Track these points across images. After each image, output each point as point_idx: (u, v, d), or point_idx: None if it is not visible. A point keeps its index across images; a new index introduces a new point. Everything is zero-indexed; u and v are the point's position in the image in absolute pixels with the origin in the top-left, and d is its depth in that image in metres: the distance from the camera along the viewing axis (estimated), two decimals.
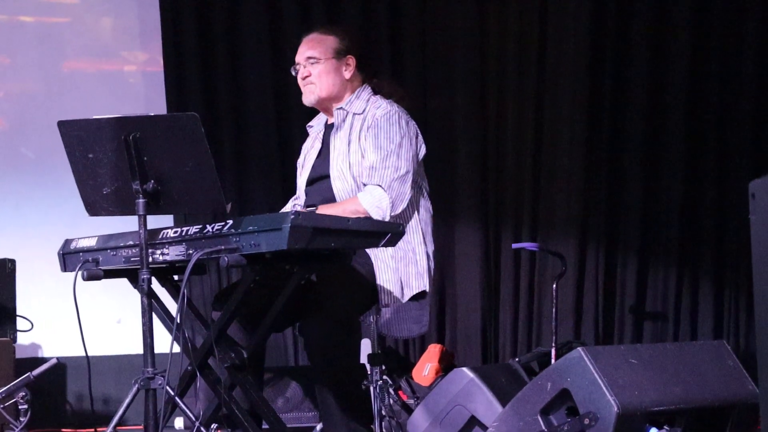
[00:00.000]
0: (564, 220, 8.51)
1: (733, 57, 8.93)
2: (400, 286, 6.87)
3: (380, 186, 6.81)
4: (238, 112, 8.94)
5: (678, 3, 8.83)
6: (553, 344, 7.64)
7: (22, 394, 6.80)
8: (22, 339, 8.04)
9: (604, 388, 5.52)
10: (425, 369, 7.22)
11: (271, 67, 8.75)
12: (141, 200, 6.14)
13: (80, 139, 6.29)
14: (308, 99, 7.08)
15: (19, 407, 6.77)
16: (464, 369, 6.35)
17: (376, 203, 6.74)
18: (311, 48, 7.06)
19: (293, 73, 7.12)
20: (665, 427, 5.63)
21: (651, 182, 8.45)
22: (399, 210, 6.80)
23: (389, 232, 6.43)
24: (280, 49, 8.61)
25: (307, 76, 7.04)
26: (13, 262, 8.02)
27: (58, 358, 7.77)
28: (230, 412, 6.48)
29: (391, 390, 6.80)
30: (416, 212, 6.97)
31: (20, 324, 8.09)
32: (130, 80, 9.36)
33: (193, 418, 6.33)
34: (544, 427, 5.69)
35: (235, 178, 8.65)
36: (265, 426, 6.49)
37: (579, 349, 5.74)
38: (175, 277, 6.57)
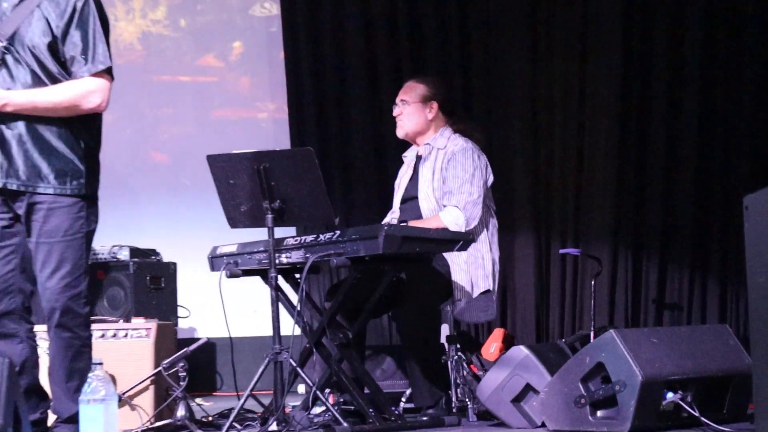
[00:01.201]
0: (600, 230, 8.41)
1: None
2: (471, 284, 6.83)
3: (457, 207, 6.76)
4: (345, 145, 8.92)
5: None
6: (592, 328, 7.56)
7: (181, 364, 6.79)
8: (182, 323, 8.11)
9: (630, 361, 5.44)
10: (491, 347, 7.13)
11: (370, 110, 8.69)
12: (269, 216, 6.16)
13: (224, 169, 6.30)
14: (399, 133, 7.09)
15: (179, 374, 6.73)
16: (521, 347, 6.25)
17: (454, 221, 6.69)
18: (404, 92, 7.06)
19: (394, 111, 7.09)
20: (679, 391, 5.47)
21: (668, 199, 8.32)
22: (472, 227, 6.77)
23: (461, 240, 6.46)
24: (378, 96, 8.58)
25: (398, 114, 6.97)
26: (174, 264, 8.08)
27: (208, 338, 7.75)
28: (339, 380, 6.47)
29: (464, 364, 6.74)
30: (485, 227, 6.91)
31: (180, 312, 8.12)
32: (262, 125, 9.37)
33: (311, 384, 6.31)
34: (583, 392, 5.62)
35: (341, 196, 8.61)
36: (366, 391, 6.35)
37: (611, 331, 5.66)
38: (296, 276, 6.54)
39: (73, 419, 4.96)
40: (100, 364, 4.89)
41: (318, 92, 8.98)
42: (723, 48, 8.49)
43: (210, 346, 7.99)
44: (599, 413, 5.58)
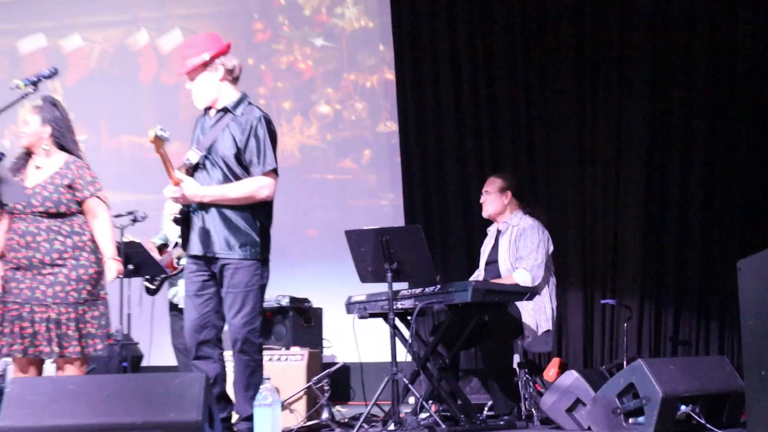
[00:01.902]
0: (630, 286, 8.36)
1: None
2: (536, 325, 6.80)
3: (526, 269, 6.74)
4: (444, 223, 8.94)
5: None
6: (624, 358, 7.45)
7: (325, 380, 6.86)
8: (326, 352, 8.11)
9: (654, 382, 5.38)
10: (550, 372, 7.10)
11: (462, 197, 8.71)
12: (389, 274, 6.14)
13: (357, 240, 6.36)
14: (484, 214, 7.10)
15: (324, 388, 6.78)
16: (573, 371, 6.22)
17: (523, 279, 6.69)
18: (487, 185, 7.09)
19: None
20: (689, 405, 5.40)
21: (680, 263, 8.24)
22: (537, 283, 6.72)
23: (528, 293, 6.50)
24: (468, 186, 8.64)
25: (483, 201, 7.03)
26: (321, 309, 8.19)
27: (345, 362, 7.77)
28: (439, 394, 6.46)
29: (531, 383, 6.67)
30: (546, 284, 6.87)
31: (325, 343, 8.18)
32: (385, 209, 9.42)
33: (419, 396, 6.29)
34: (619, 405, 5.56)
35: (441, 259, 8.59)
36: (458, 402, 6.34)
37: (639, 360, 5.63)
38: (408, 317, 6.48)
39: (249, 418, 5.01)
40: (269, 379, 4.96)
41: (424, 185, 8.99)
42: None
43: (346, 368, 8.04)
44: (630, 420, 5.54)
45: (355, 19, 9.80)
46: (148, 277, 7.59)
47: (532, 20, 8.74)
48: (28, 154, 5.80)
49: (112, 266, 5.63)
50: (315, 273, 8.91)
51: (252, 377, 5.17)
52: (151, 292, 7.65)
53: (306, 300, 7.94)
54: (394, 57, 9.22)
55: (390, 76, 9.40)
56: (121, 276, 5.78)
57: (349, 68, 9.81)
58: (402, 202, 9.14)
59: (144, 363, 8.29)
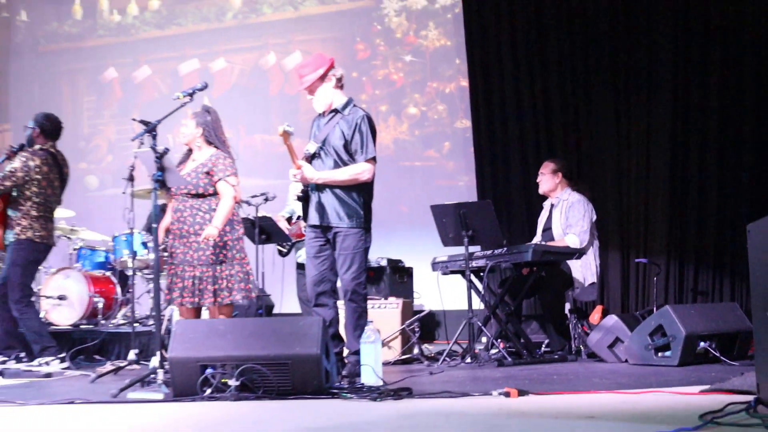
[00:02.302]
0: (659, 246, 8.21)
1: None
2: (583, 278, 6.76)
3: (575, 234, 6.69)
4: (509, 197, 8.85)
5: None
6: (654, 305, 7.33)
7: (416, 323, 6.84)
8: (416, 301, 7.98)
9: (678, 323, 5.35)
10: (594, 316, 6.96)
11: (523, 177, 8.68)
12: (466, 239, 6.20)
13: (440, 213, 6.49)
14: (540, 191, 7.07)
15: (415, 330, 6.83)
16: (613, 315, 6.19)
17: (573, 243, 6.64)
18: (543, 168, 7.04)
19: None
20: (707, 341, 5.34)
21: (700, 226, 8.09)
22: (584, 246, 6.66)
23: (577, 253, 6.48)
24: (527, 169, 8.55)
25: (539, 180, 7.02)
26: (411, 268, 8.05)
27: (431, 310, 7.76)
28: (506, 334, 6.46)
29: (579, 325, 6.64)
30: (591, 245, 6.81)
31: (415, 294, 8.05)
32: (462, 188, 9.34)
33: (490, 336, 6.31)
34: (650, 342, 5.54)
35: (507, 227, 8.50)
36: (522, 340, 6.33)
37: (667, 306, 5.61)
38: (481, 273, 6.47)
39: (357, 353, 5.05)
40: (371, 322, 4.99)
41: (492, 169, 8.95)
42: None
43: (432, 314, 8.03)
44: (659, 354, 5.51)
45: (436, 39, 9.77)
46: (281, 242, 7.67)
47: (577, 33, 8.65)
48: (189, 150, 5.98)
49: (210, 231, 5.63)
50: (406, 239, 8.89)
51: (359, 320, 5.22)
52: (283, 255, 7.72)
53: (400, 261, 7.95)
54: (467, 68, 9.19)
55: (464, 83, 9.36)
56: (211, 238, 5.69)
57: (431, 78, 9.78)
58: (475, 182, 9.10)
59: (275, 311, 8.36)
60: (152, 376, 4.83)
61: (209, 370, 4.29)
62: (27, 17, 11.67)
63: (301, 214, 6.81)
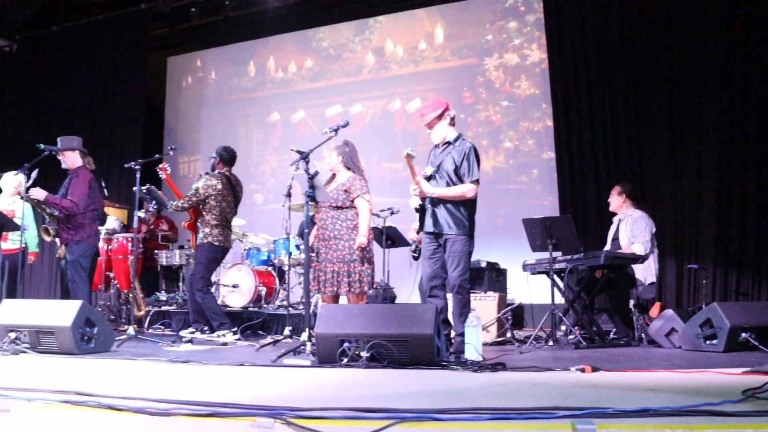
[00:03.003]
0: (708, 254, 7.88)
1: None
2: (644, 279, 6.56)
3: (639, 243, 6.51)
4: (584, 215, 8.64)
5: None
6: (703, 303, 7.08)
7: (509, 313, 6.81)
8: (509, 295, 7.81)
9: (724, 317, 5.16)
10: (654, 311, 6.77)
11: (598, 195, 8.43)
12: (550, 246, 6.12)
13: (530, 225, 6.36)
14: (610, 208, 6.90)
15: (508, 318, 6.79)
16: (670, 310, 5.99)
17: (638, 250, 6.47)
18: (612, 191, 6.91)
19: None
20: (748, 333, 5.13)
21: (741, 237, 7.75)
22: (646, 253, 6.48)
23: (640, 258, 6.34)
24: (599, 193, 8.28)
25: (609, 201, 6.84)
26: (506, 269, 7.86)
27: (521, 302, 7.65)
28: (582, 323, 6.31)
29: (640, 318, 6.47)
30: (652, 253, 6.60)
31: (508, 290, 7.85)
32: (546, 207, 9.10)
33: (568, 325, 6.21)
34: (700, 332, 5.34)
35: (583, 236, 8.30)
36: (594, 329, 6.17)
37: (714, 303, 5.39)
38: (562, 274, 6.34)
39: (462, 335, 5.03)
40: (474, 310, 4.99)
41: (572, 191, 8.80)
42: None
43: (521, 306, 7.91)
44: (707, 342, 5.31)
45: (526, 88, 9.66)
46: (413, 249, 7.73)
47: (640, 81, 8.45)
48: (333, 174, 6.10)
49: (360, 240, 5.75)
50: (502, 246, 8.76)
51: (464, 309, 5.20)
52: (416, 258, 7.80)
53: (496, 263, 7.89)
54: (552, 111, 9.07)
55: (549, 123, 9.24)
56: (363, 245, 5.79)
57: (523, 119, 9.68)
58: (556, 202, 8.97)
59: (397, 301, 8.41)
60: (302, 347, 4.97)
61: (346, 344, 4.35)
62: (215, 75, 12.13)
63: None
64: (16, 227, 6.70)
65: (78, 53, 11.88)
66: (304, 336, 5.16)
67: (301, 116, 11.21)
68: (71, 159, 6.80)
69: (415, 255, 7.77)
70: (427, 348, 4.24)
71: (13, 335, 5.18)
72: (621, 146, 8.56)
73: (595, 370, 4.04)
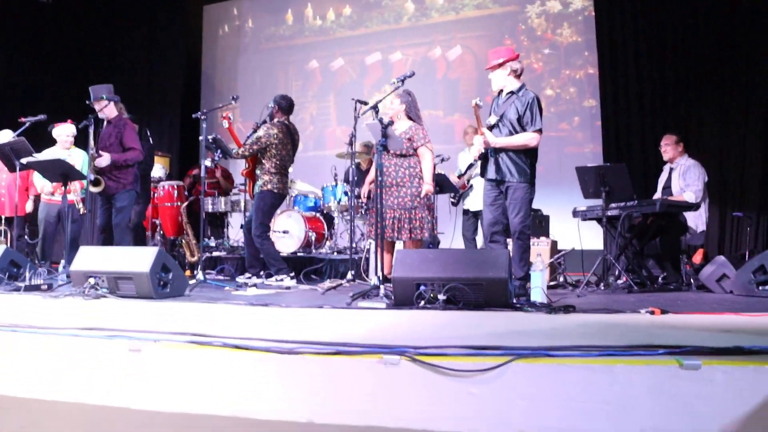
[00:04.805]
0: (753, 201, 7.98)
1: None
2: (695, 226, 6.64)
3: (692, 192, 6.59)
4: (636, 161, 8.71)
5: None
6: (747, 250, 7.16)
7: (561, 258, 7.01)
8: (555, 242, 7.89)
9: None
10: (697, 257, 6.88)
11: (646, 146, 8.49)
12: (603, 194, 6.17)
13: (583, 173, 6.37)
14: (665, 158, 6.90)
15: (560, 262, 6.88)
16: (721, 256, 6.07)
17: (690, 198, 6.54)
18: (664, 140, 6.90)
19: None
20: None
21: None
22: (698, 201, 6.55)
23: (692, 206, 6.41)
24: (648, 141, 8.43)
25: (663, 150, 6.86)
26: (549, 216, 7.90)
27: (573, 248, 7.66)
28: (633, 268, 6.43)
29: (687, 262, 6.57)
30: (703, 202, 6.67)
31: (553, 236, 7.85)
32: (587, 155, 9.10)
33: (620, 269, 6.30)
34: (753, 277, 5.43)
35: (636, 184, 8.43)
36: (644, 273, 6.30)
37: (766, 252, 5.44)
38: (614, 221, 6.45)
39: (521, 279, 5.16)
40: (540, 255, 5.08)
41: (617, 138, 8.87)
42: None
43: (575, 251, 7.89)
44: (760, 287, 5.39)
45: (569, 36, 9.66)
46: (452, 195, 7.81)
47: (689, 27, 8.44)
48: (391, 122, 6.14)
49: (426, 187, 5.88)
50: (542, 193, 8.70)
51: (524, 254, 5.29)
52: (455, 204, 7.90)
53: (539, 210, 7.82)
54: (597, 58, 9.09)
55: (591, 71, 9.27)
56: (431, 194, 5.97)
57: (565, 66, 9.69)
58: (597, 149, 9.04)
59: (441, 246, 8.55)
60: (373, 290, 5.06)
61: (422, 287, 4.41)
62: (252, 24, 12.12)
63: (463, 172, 7.02)
64: (81, 176, 6.84)
65: (115, 3, 11.90)
66: (375, 279, 5.29)
67: (341, 63, 11.21)
68: (110, 108, 6.82)
69: (454, 201, 7.86)
70: (501, 291, 4.31)
71: (92, 281, 5.38)
72: (668, 93, 8.57)
73: (664, 312, 4.12)
